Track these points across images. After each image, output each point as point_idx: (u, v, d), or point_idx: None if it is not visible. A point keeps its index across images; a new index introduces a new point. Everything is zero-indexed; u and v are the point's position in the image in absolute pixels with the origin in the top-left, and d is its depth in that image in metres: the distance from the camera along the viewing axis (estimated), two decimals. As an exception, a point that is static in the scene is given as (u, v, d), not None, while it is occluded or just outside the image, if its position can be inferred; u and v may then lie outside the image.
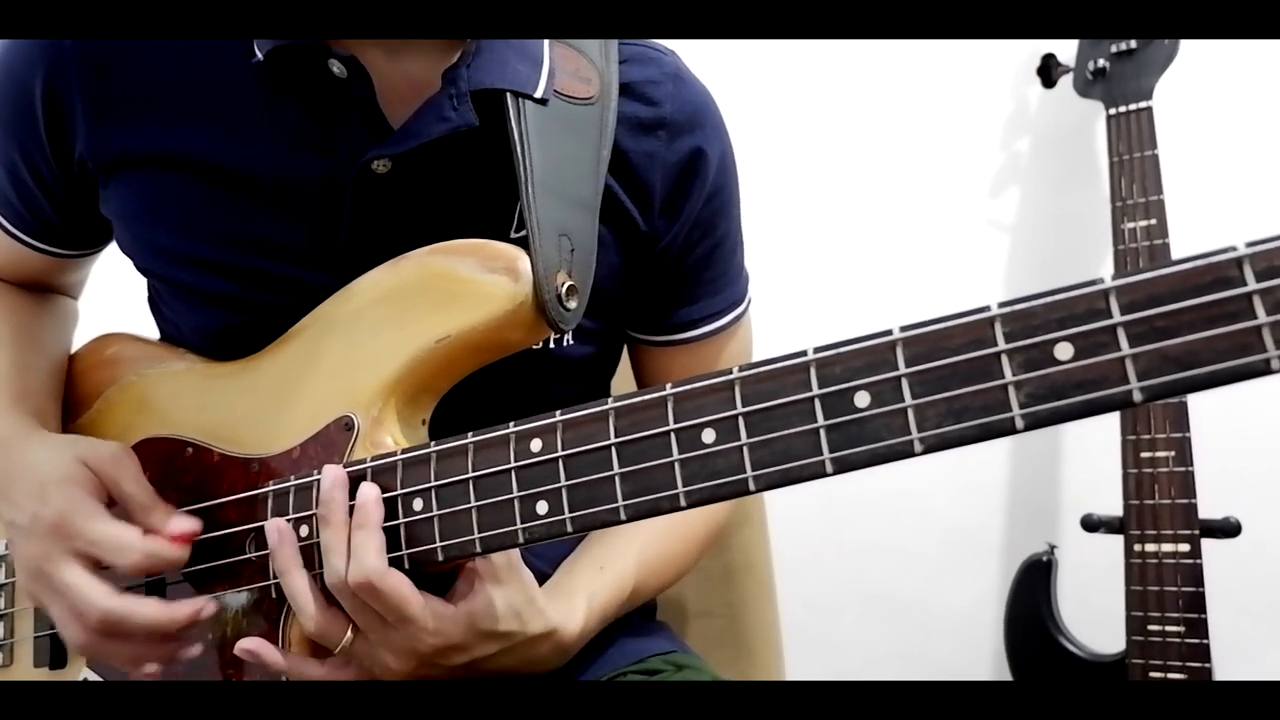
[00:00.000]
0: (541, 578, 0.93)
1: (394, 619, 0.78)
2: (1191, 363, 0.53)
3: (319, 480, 0.83)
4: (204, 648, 0.88)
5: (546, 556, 0.99)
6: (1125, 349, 0.54)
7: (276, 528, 0.82)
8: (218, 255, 0.93)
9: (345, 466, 0.82)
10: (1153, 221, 1.60)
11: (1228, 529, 1.53)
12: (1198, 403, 1.55)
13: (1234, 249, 0.52)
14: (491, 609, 0.81)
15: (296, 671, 0.83)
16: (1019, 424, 0.57)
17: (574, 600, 0.92)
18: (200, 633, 0.88)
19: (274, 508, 0.86)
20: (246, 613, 0.87)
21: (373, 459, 0.81)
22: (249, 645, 0.82)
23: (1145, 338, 0.54)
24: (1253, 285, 0.51)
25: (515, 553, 0.82)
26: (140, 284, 1.05)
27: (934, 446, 0.59)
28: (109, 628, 0.83)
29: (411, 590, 0.77)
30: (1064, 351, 0.56)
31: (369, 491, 0.78)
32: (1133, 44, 1.67)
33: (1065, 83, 1.79)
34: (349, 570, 0.77)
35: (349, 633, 0.81)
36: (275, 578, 0.84)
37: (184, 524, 0.87)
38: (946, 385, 0.59)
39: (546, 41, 0.93)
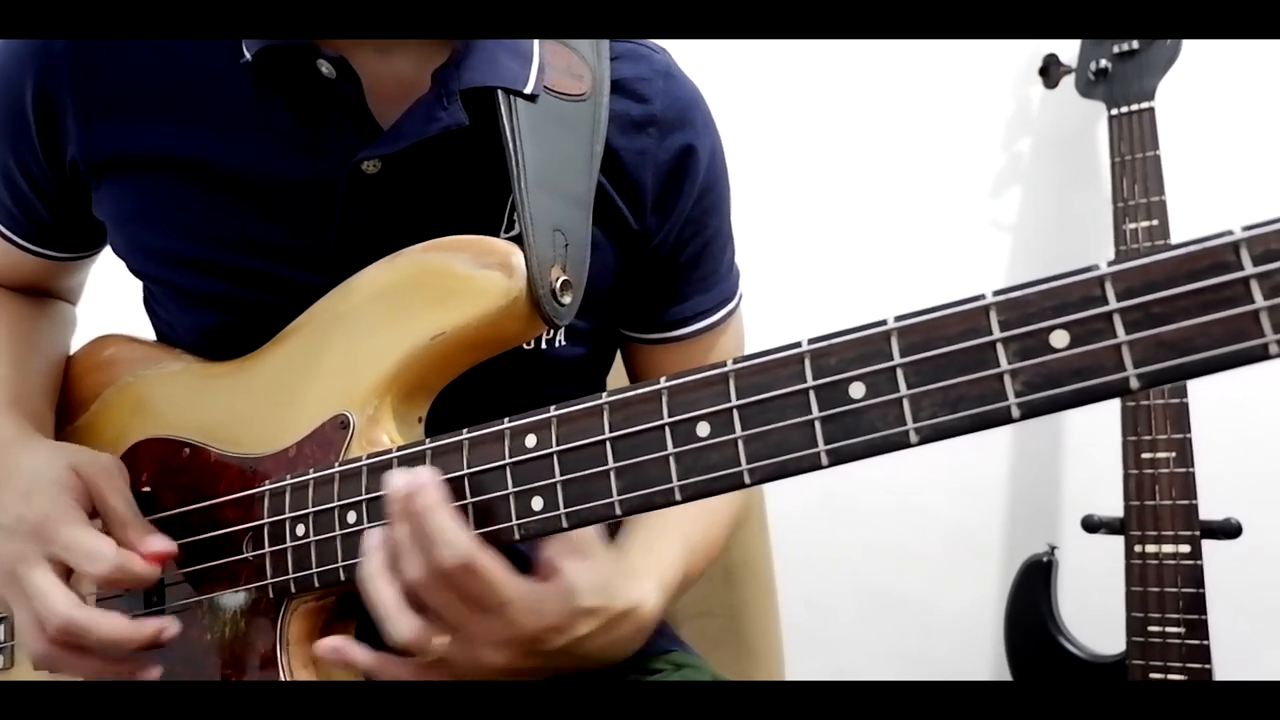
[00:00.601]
0: None
1: (492, 603, 0.74)
2: (1189, 349, 0.52)
3: (312, 481, 0.83)
4: (201, 648, 0.88)
5: None
6: (1121, 335, 0.54)
7: (374, 543, 0.76)
8: (210, 256, 0.93)
9: (340, 464, 0.82)
10: (1154, 222, 1.60)
11: (1228, 530, 1.53)
12: (1198, 403, 1.54)
13: (1230, 233, 0.51)
14: (583, 583, 0.77)
15: (384, 672, 0.79)
16: (1015, 413, 0.57)
17: (644, 581, 0.87)
18: (198, 633, 0.88)
19: (270, 507, 0.86)
20: (245, 613, 0.87)
21: (368, 457, 0.81)
22: (333, 643, 0.79)
23: (1141, 324, 0.53)
24: (1250, 269, 0.51)
25: (596, 526, 0.77)
26: (136, 286, 1.05)
27: (930, 437, 0.59)
28: (68, 638, 0.81)
29: (507, 568, 0.74)
30: (1060, 339, 0.55)
31: (427, 474, 0.74)
32: (1135, 44, 1.67)
33: (1067, 83, 1.78)
34: (443, 556, 0.71)
35: (441, 635, 0.75)
36: (272, 578, 0.84)
37: (158, 544, 0.86)
38: (942, 375, 0.59)
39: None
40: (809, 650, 1.97)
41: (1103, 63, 1.70)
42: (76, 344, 1.12)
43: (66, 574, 0.84)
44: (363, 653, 0.78)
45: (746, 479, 0.65)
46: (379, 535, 0.76)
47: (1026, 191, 1.95)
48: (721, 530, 1.06)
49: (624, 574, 0.84)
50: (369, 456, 0.81)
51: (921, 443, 0.59)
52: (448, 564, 0.71)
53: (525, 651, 0.77)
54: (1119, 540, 1.60)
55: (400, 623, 0.74)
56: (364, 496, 0.80)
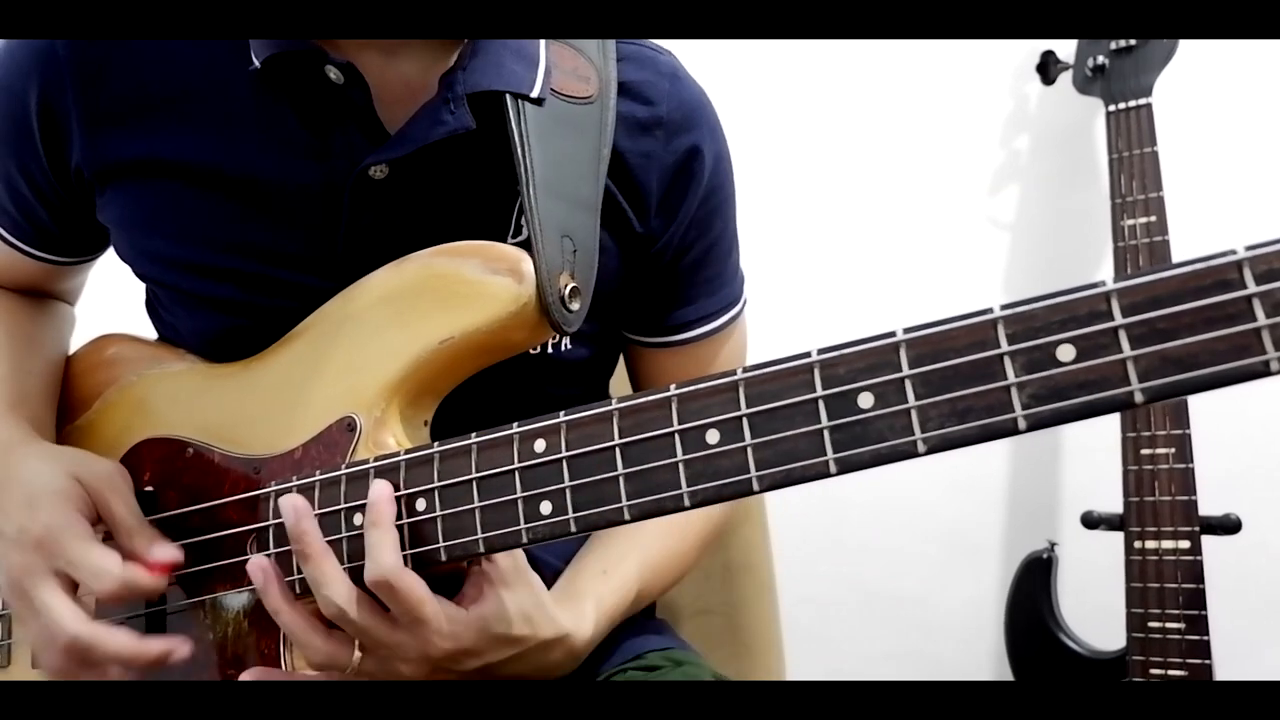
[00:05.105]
0: (556, 574, 0.92)
1: (407, 620, 0.76)
2: (1192, 364, 0.53)
3: (319, 482, 0.83)
4: (204, 648, 0.88)
5: (561, 552, 0.99)
6: (1126, 350, 0.55)
7: (260, 567, 0.80)
8: (216, 260, 0.93)
9: (348, 467, 0.82)
10: (1152, 218, 1.60)
11: (1228, 525, 1.53)
12: (1197, 399, 1.53)
13: (1234, 252, 0.52)
14: (503, 612, 0.80)
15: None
16: (1021, 424, 0.58)
17: (583, 605, 0.91)
18: (200, 633, 0.88)
19: (275, 508, 0.85)
20: (247, 613, 0.87)
21: (375, 459, 0.81)
22: (254, 675, 0.83)
23: (1146, 339, 0.54)
24: (1252, 288, 0.52)
25: (522, 557, 0.81)
26: (138, 288, 1.05)
27: (937, 447, 0.60)
28: (77, 654, 0.82)
29: (426, 591, 0.76)
30: (1066, 353, 0.56)
31: (382, 489, 0.77)
32: (1132, 41, 1.67)
33: (1065, 80, 1.79)
34: (366, 569, 0.75)
35: (356, 652, 0.79)
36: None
37: (165, 553, 0.86)
38: (950, 386, 0.59)
39: (543, 40, 0.93)
40: (809, 648, 1.98)
41: (1100, 59, 1.70)
42: (76, 344, 1.11)
43: (73, 586, 0.84)
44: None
45: (755, 486, 0.65)
46: (264, 562, 0.81)
47: (1025, 189, 1.95)
48: (692, 547, 1.07)
49: (559, 600, 0.87)
50: (376, 459, 0.81)
51: (929, 452, 0.60)
52: (372, 578, 0.75)
53: (439, 669, 0.80)
54: (1119, 536, 1.60)
55: (317, 646, 0.80)
56: (371, 499, 0.80)
